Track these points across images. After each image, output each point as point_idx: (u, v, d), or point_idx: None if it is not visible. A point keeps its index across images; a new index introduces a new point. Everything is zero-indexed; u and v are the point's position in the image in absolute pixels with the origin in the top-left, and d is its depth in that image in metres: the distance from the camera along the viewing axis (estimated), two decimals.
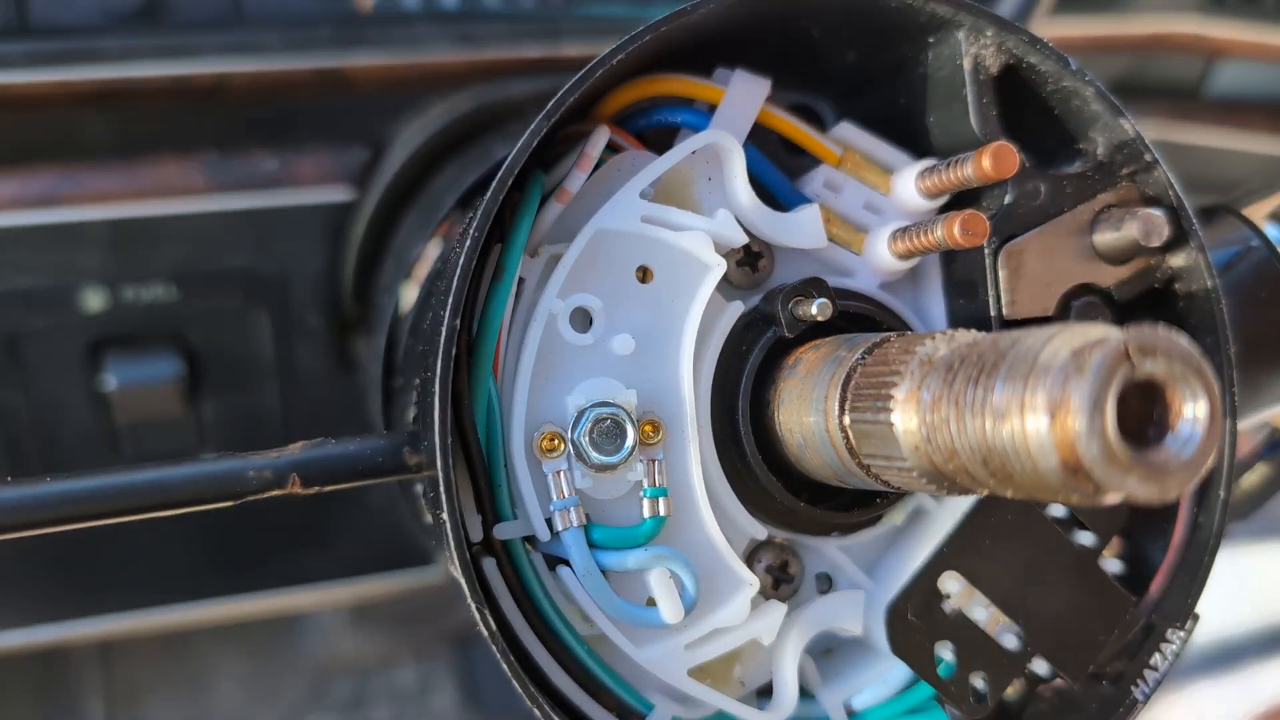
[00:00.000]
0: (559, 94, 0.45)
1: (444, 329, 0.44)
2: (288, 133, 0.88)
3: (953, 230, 0.48)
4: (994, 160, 0.48)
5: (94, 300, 0.87)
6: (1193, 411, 0.34)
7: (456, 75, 0.87)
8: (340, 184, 0.89)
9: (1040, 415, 0.34)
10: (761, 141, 0.53)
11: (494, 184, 0.44)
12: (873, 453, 0.44)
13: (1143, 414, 0.35)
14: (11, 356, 0.86)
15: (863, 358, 0.45)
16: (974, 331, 0.42)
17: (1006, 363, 0.37)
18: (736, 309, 0.51)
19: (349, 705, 1.88)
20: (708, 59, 0.54)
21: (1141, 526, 0.55)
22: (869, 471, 0.45)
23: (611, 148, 0.52)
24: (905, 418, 0.41)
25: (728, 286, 0.53)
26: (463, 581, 0.44)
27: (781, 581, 0.53)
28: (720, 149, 0.50)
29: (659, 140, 0.53)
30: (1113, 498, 0.34)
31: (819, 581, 0.54)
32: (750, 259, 0.53)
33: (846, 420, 0.44)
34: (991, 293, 0.52)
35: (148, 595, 1.01)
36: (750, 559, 0.53)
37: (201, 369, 0.91)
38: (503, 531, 0.47)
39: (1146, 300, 0.54)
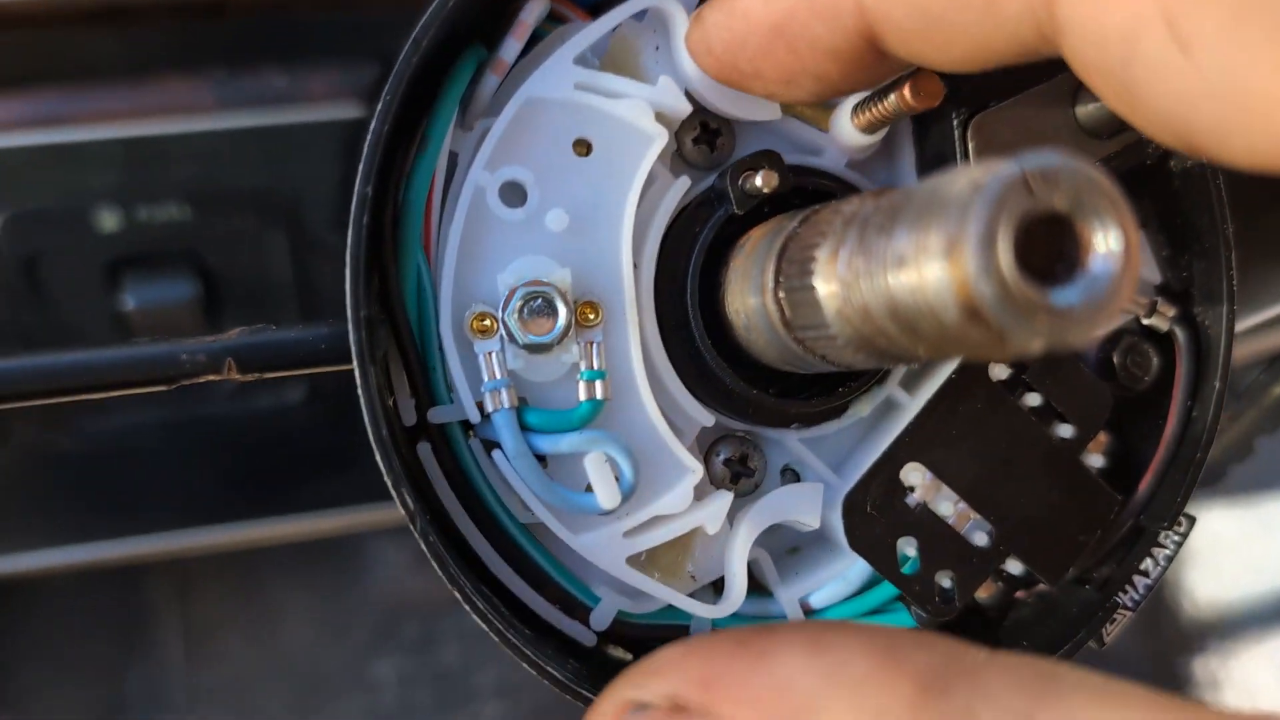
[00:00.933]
0: None
1: (354, 197, 0.42)
2: (296, 49, 0.87)
3: (904, 93, 0.45)
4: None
5: (109, 220, 0.87)
6: (1104, 244, 0.31)
7: None
8: (351, 100, 0.87)
9: (934, 257, 0.31)
10: None
11: (406, 47, 0.42)
12: (804, 324, 0.41)
13: (1052, 251, 0.32)
14: (30, 278, 0.87)
15: (799, 225, 0.42)
16: (907, 186, 0.39)
17: (911, 206, 0.34)
18: (683, 184, 0.48)
19: (418, 645, 1.90)
20: None
21: (1129, 420, 0.51)
22: (805, 346, 0.42)
23: (558, 19, 0.50)
24: (825, 280, 0.38)
25: (684, 165, 0.50)
26: (380, 462, 0.42)
27: (741, 475, 0.50)
28: (664, 13, 0.47)
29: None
30: (1018, 345, 0.31)
31: (784, 476, 0.51)
32: (708, 136, 0.50)
33: (781, 293, 0.42)
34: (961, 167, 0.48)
35: (180, 518, 1.02)
36: (709, 452, 0.50)
37: (219, 289, 0.91)
38: (437, 415, 0.46)
39: (1137, 177, 0.50)
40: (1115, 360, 0.51)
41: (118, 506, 1.00)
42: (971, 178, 0.31)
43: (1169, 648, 1.77)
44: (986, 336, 0.31)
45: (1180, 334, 0.51)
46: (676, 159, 0.50)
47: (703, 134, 0.50)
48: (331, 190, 0.89)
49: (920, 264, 0.32)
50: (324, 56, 0.87)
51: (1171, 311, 0.51)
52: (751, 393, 0.48)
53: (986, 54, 0.38)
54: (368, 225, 0.42)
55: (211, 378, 0.48)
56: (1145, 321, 0.51)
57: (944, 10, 0.37)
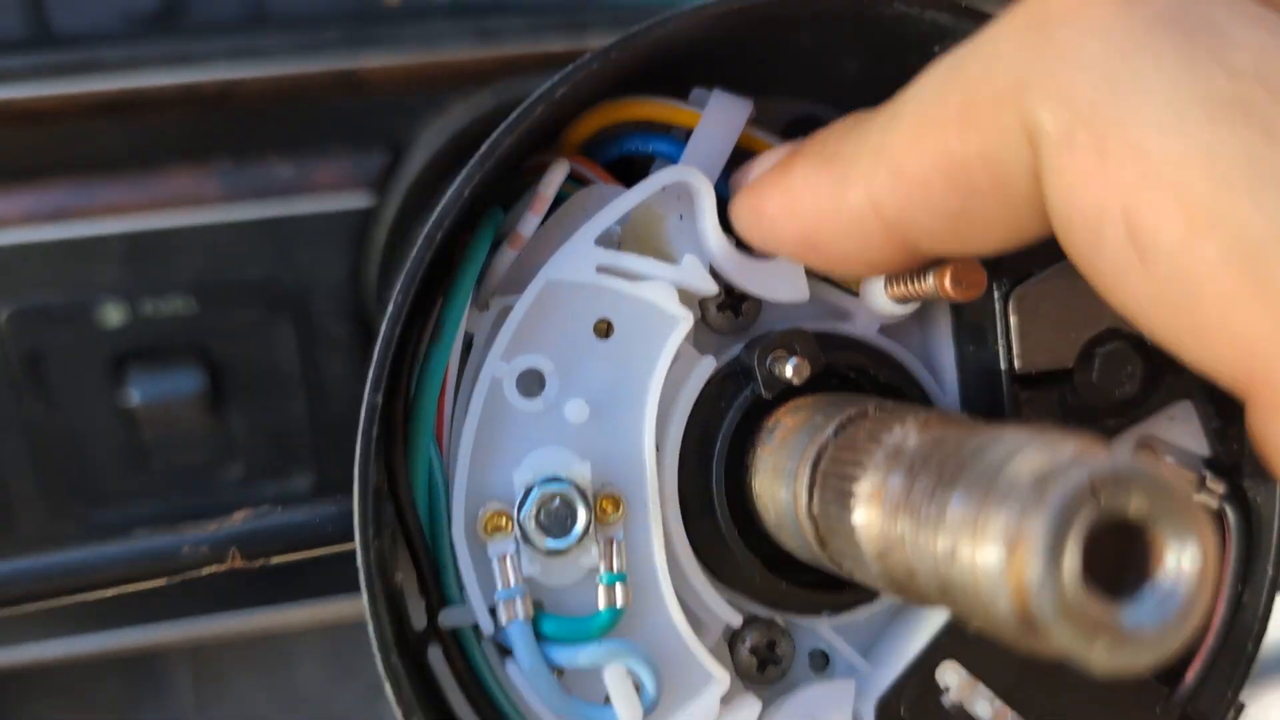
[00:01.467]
0: (494, 135, 0.41)
1: (364, 405, 0.39)
2: (304, 138, 0.85)
3: (944, 282, 0.42)
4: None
5: (113, 314, 0.85)
6: (1179, 561, 0.28)
7: (476, 72, 0.83)
8: (360, 189, 0.85)
9: (990, 551, 0.29)
10: None
11: (419, 242, 0.40)
12: (841, 550, 0.38)
13: (1119, 560, 0.29)
14: (34, 374, 0.85)
15: (835, 434, 0.39)
16: (949, 416, 0.36)
17: (966, 477, 0.31)
18: (708, 365, 0.46)
19: None
20: (695, 76, 0.49)
21: None
22: (840, 566, 0.39)
23: (580, 180, 0.47)
24: (867, 522, 0.35)
25: (708, 332, 0.48)
26: (385, 682, 0.40)
27: (768, 663, 0.48)
28: (688, 186, 0.44)
29: (642, 168, 0.48)
30: (1075, 657, 0.29)
31: (813, 660, 0.49)
32: (733, 302, 0.47)
33: (815, 508, 0.39)
34: (1001, 342, 0.46)
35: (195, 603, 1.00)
36: (734, 638, 0.48)
37: (225, 382, 0.89)
38: (448, 618, 0.43)
39: None
40: None
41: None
42: (1036, 469, 0.29)
43: None
44: (1039, 642, 0.29)
45: (1230, 512, 0.48)
46: (700, 325, 0.48)
47: (728, 300, 0.47)
48: (340, 280, 0.86)
49: (975, 554, 0.30)
50: (331, 144, 0.85)
51: (1220, 488, 0.48)
52: (781, 585, 0.46)
53: (1020, 234, 0.36)
54: (377, 437, 0.39)
55: (217, 569, 0.46)
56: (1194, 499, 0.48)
57: (963, 205, 0.36)
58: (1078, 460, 0.28)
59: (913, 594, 0.34)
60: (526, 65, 0.83)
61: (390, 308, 0.40)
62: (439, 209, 0.40)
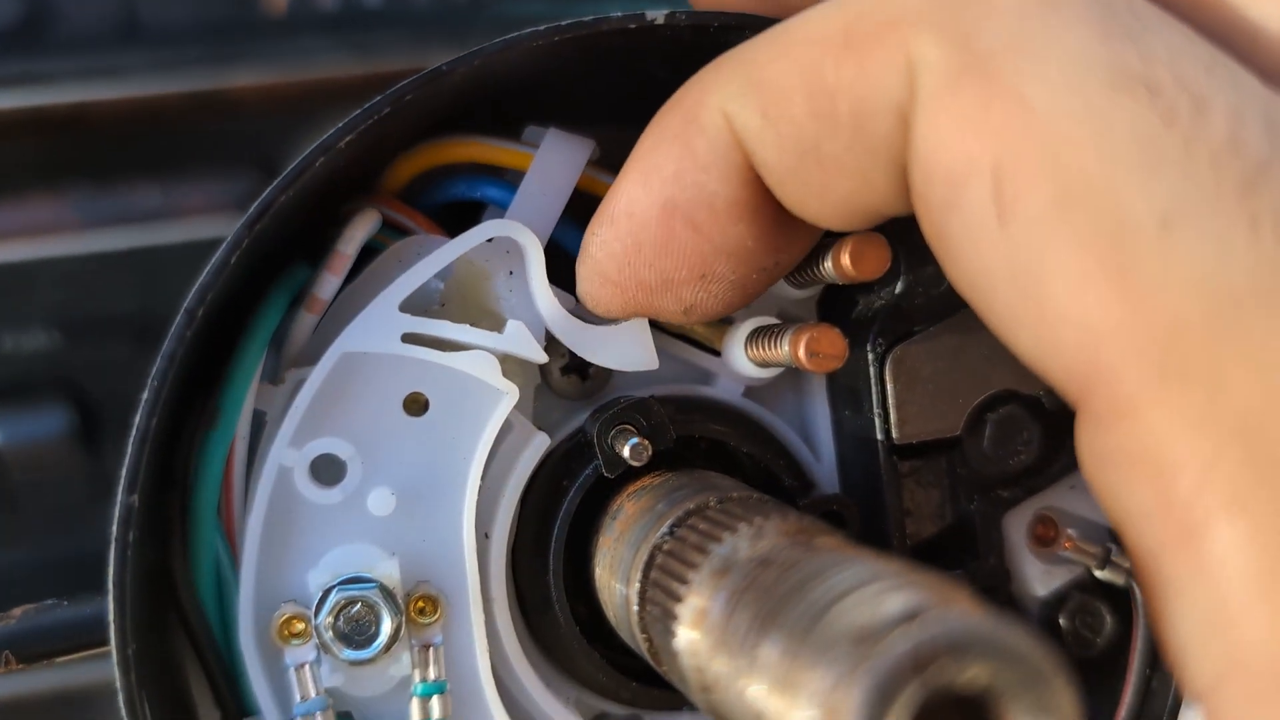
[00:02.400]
0: (265, 194, 0.35)
1: (117, 507, 0.34)
2: (169, 161, 0.79)
3: (799, 351, 0.37)
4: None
5: None
6: None
7: (353, 89, 0.77)
8: (231, 213, 0.79)
9: (804, 707, 0.24)
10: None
11: (178, 318, 0.34)
12: (671, 674, 0.33)
13: None
14: None
15: (669, 532, 0.34)
16: (789, 523, 0.31)
17: (786, 614, 0.26)
18: (540, 443, 0.40)
19: None
20: (529, 111, 0.43)
21: (1084, 688, 0.44)
22: (674, 685, 0.34)
23: (400, 230, 0.42)
24: (690, 651, 0.30)
25: (552, 398, 0.42)
26: None
27: None
28: (513, 240, 0.39)
29: (474, 217, 0.43)
30: None
31: None
32: (577, 364, 0.42)
33: (646, 619, 0.34)
34: (877, 410, 0.41)
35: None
36: None
37: (97, 419, 0.83)
38: None
39: None
40: (1062, 623, 0.43)
41: None
42: (856, 626, 0.23)
43: None
44: None
45: (1138, 590, 0.43)
46: (543, 391, 0.42)
47: (572, 362, 0.42)
48: None
49: (786, 707, 0.25)
50: (199, 167, 0.79)
51: (1128, 562, 0.43)
52: (632, 684, 0.40)
53: (871, 197, 0.32)
54: (134, 542, 0.34)
55: None
56: (1099, 574, 0.43)
57: (814, 140, 0.32)
58: (905, 620, 0.23)
59: None
60: (405, 79, 0.78)
61: (146, 394, 0.34)
62: (201, 278, 0.34)
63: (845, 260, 0.37)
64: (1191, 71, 0.27)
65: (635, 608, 0.34)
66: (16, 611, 0.42)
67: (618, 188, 0.36)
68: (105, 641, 0.41)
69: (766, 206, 0.35)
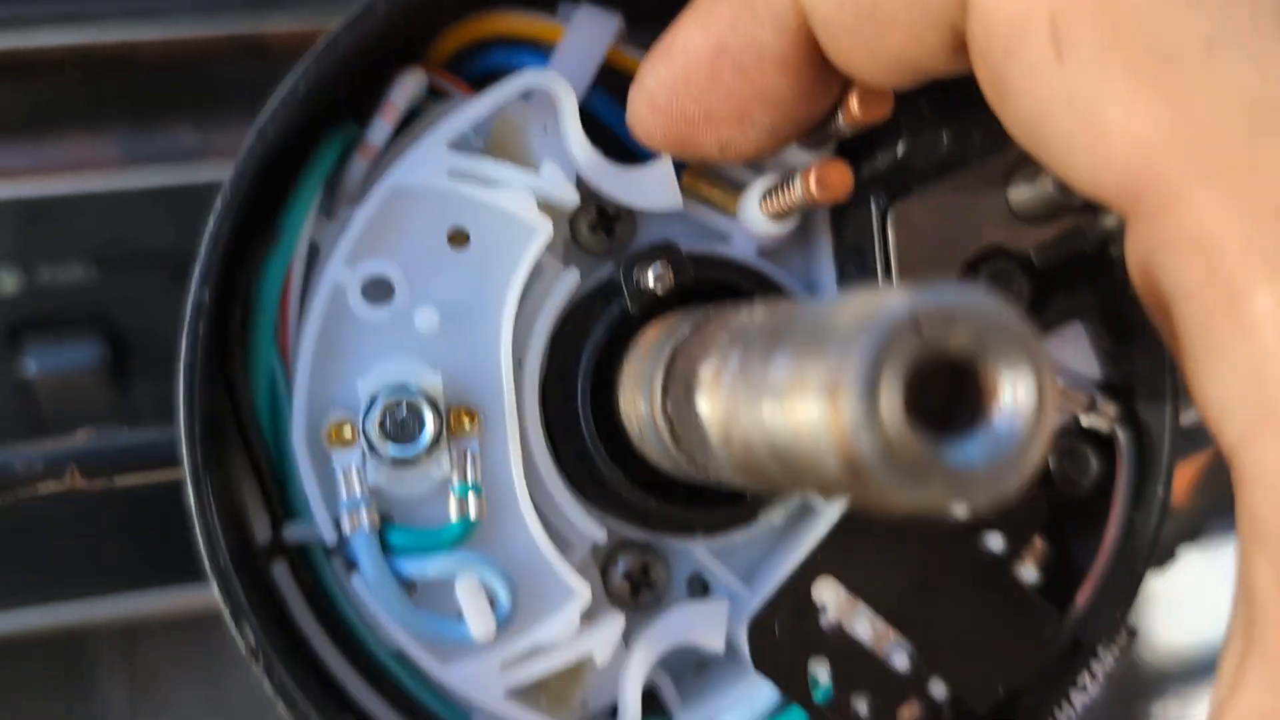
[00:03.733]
0: (334, 30, 0.39)
1: (189, 301, 0.37)
2: (207, 102, 0.82)
3: (809, 183, 0.41)
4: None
5: (8, 282, 0.82)
6: (1012, 395, 0.27)
7: None
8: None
9: (810, 399, 0.27)
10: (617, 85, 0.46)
11: (249, 140, 0.38)
12: (693, 445, 0.36)
13: (952, 399, 0.27)
14: None
15: (689, 333, 0.38)
16: (799, 299, 0.35)
17: (793, 333, 0.29)
18: (572, 277, 0.44)
19: None
20: None
21: (1066, 529, 0.47)
22: (696, 466, 0.38)
23: (439, 93, 0.45)
24: (709, 403, 0.33)
25: (580, 253, 0.46)
26: (216, 592, 0.38)
27: (642, 587, 0.46)
28: (549, 92, 0.43)
29: None
30: (909, 503, 0.27)
31: (691, 587, 0.47)
32: (605, 222, 0.46)
33: (669, 405, 0.37)
34: (879, 259, 0.44)
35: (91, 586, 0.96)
36: (606, 562, 0.46)
37: (128, 352, 0.86)
38: (292, 533, 0.41)
39: (1074, 267, 0.46)
40: (1051, 464, 0.47)
41: (49, 571, 0.95)
42: (857, 310, 0.27)
43: (1127, 694, 1.72)
44: (871, 491, 0.27)
45: (1122, 435, 0.47)
46: (572, 246, 0.46)
47: (599, 220, 0.46)
48: None
49: (796, 404, 0.28)
50: (237, 110, 0.83)
51: (1112, 410, 0.47)
52: (650, 502, 0.44)
53: (919, 54, 0.36)
54: (204, 334, 0.37)
55: (54, 488, 0.44)
56: (1084, 421, 0.47)
57: (875, 4, 0.35)
58: (898, 297, 0.27)
59: (756, 473, 0.32)
60: None
61: (218, 202, 0.38)
62: (269, 105, 0.38)
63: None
64: None
65: (659, 399, 0.38)
66: (81, 433, 0.45)
67: (678, 25, 0.40)
68: (162, 464, 0.45)
69: (809, 63, 0.39)
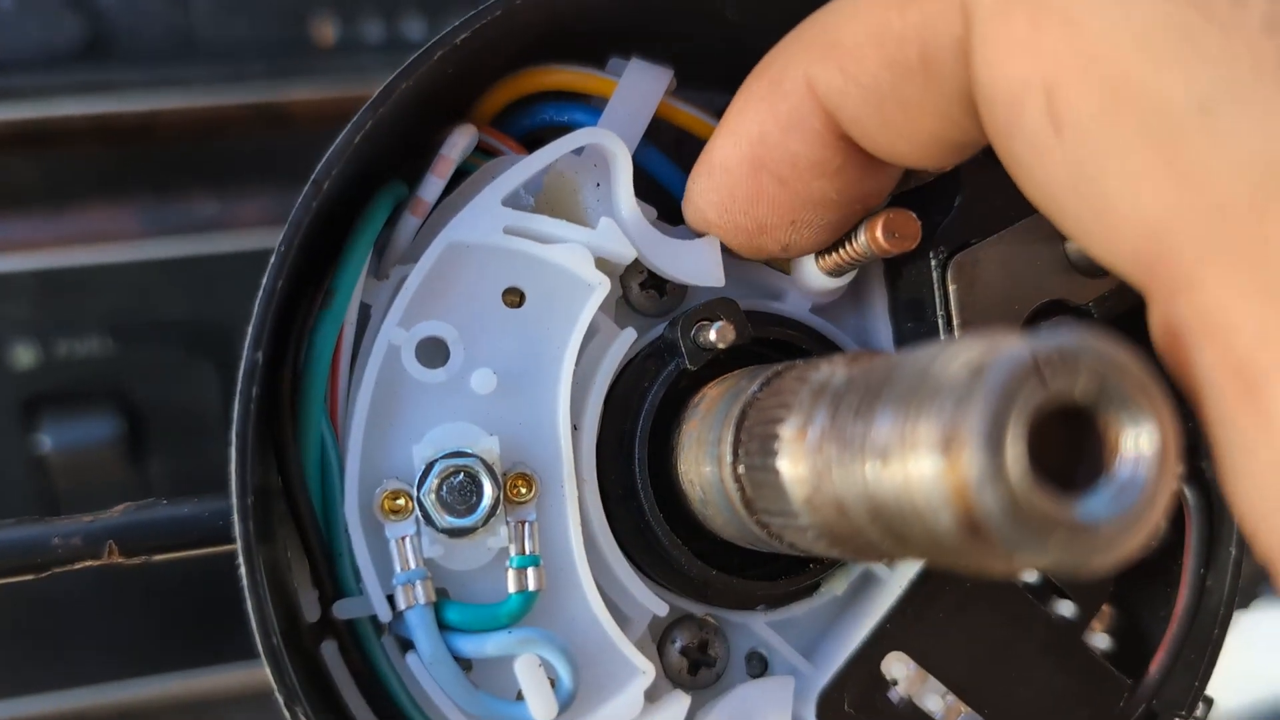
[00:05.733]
0: (389, 80, 0.38)
1: (242, 363, 0.36)
2: (227, 174, 0.82)
3: (875, 234, 0.40)
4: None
5: (24, 356, 0.81)
6: (1135, 444, 0.25)
7: None
8: (284, 225, 0.82)
9: (925, 455, 0.26)
10: (669, 143, 0.45)
11: (305, 191, 0.37)
12: (768, 508, 0.35)
13: (1070, 451, 0.26)
14: None
15: (759, 390, 0.36)
16: (881, 352, 0.34)
17: (894, 387, 0.28)
18: (629, 336, 0.43)
19: None
20: (618, 46, 0.46)
21: (1137, 594, 0.46)
22: (770, 532, 0.36)
23: (491, 153, 0.44)
24: (792, 462, 0.32)
25: (631, 313, 0.45)
26: (269, 673, 0.36)
27: (701, 665, 0.44)
28: (603, 149, 0.42)
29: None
30: (1028, 563, 0.25)
31: (750, 663, 0.45)
32: (656, 281, 0.45)
33: (740, 468, 0.36)
34: (940, 313, 0.43)
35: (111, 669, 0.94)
36: (663, 638, 0.44)
37: (143, 426, 0.85)
38: (343, 609, 0.40)
39: (1134, 320, 0.45)
40: None
41: (53, 658, 0.92)
42: (969, 358, 0.26)
43: None
44: (989, 552, 0.26)
45: (1189, 493, 0.45)
46: (622, 306, 0.45)
47: (650, 279, 0.44)
48: None
49: (907, 461, 0.27)
50: (257, 180, 0.82)
51: (1179, 467, 0.45)
52: (711, 573, 0.42)
53: (952, 131, 0.35)
54: (257, 398, 0.36)
55: (91, 563, 0.42)
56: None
57: (891, 87, 0.34)
58: (1017, 342, 0.25)
59: (845, 536, 0.31)
60: None
61: (272, 258, 0.37)
62: (326, 156, 0.37)
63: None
64: None
65: (729, 460, 0.36)
66: (119, 508, 0.44)
67: (713, 143, 0.40)
68: (199, 542, 0.43)
69: (849, 161, 0.38)
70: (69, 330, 0.81)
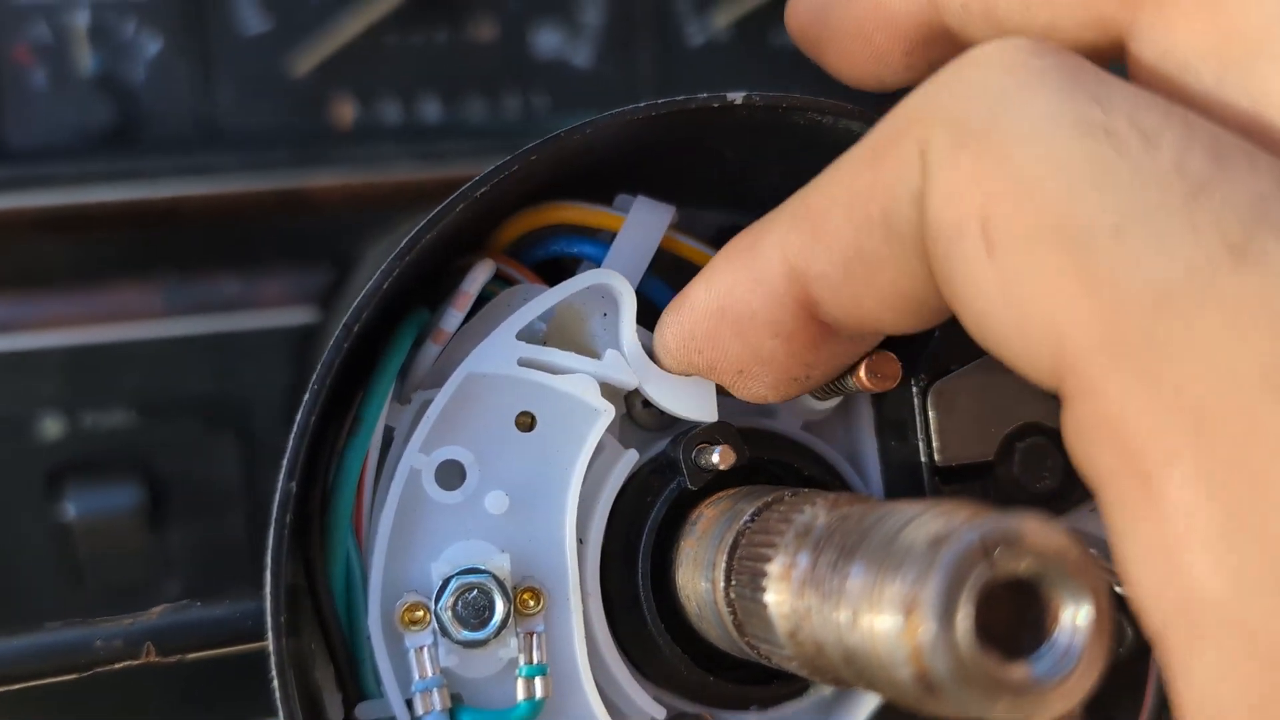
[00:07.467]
0: (413, 231, 0.42)
1: (278, 492, 0.39)
2: (250, 254, 0.86)
3: (861, 376, 0.43)
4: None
5: (52, 428, 0.84)
6: (1072, 617, 0.29)
7: (421, 192, 0.85)
8: (304, 305, 0.86)
9: (886, 616, 0.29)
10: (671, 271, 0.49)
11: (337, 331, 0.40)
12: (756, 634, 0.38)
13: (1018, 616, 0.29)
14: None
15: (750, 520, 0.40)
16: (860, 496, 0.37)
17: (868, 548, 0.31)
18: (631, 458, 0.46)
19: None
20: (619, 183, 0.50)
21: (1105, 697, 0.48)
22: (759, 653, 0.39)
23: (507, 281, 0.48)
24: (777, 600, 0.35)
25: (634, 429, 0.48)
26: None
27: None
28: (613, 291, 0.45)
29: (571, 271, 0.49)
30: (969, 715, 0.29)
31: None
32: None
33: (732, 593, 0.39)
34: (920, 436, 0.47)
35: None
36: None
37: (165, 497, 0.88)
38: (365, 712, 0.43)
39: None
40: None
41: None
42: (932, 530, 0.29)
43: None
44: (943, 705, 0.29)
45: None
46: (626, 422, 0.48)
47: None
48: (282, 395, 0.87)
49: (874, 618, 0.30)
50: (277, 261, 0.86)
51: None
52: (709, 679, 0.45)
53: (914, 288, 0.37)
54: (290, 524, 0.39)
55: (131, 663, 0.45)
56: (1119, 590, 0.49)
57: (855, 243, 0.37)
58: (970, 523, 0.29)
59: (824, 671, 0.34)
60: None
61: (307, 395, 0.40)
62: (358, 300, 0.41)
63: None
64: (1147, 117, 0.32)
65: (721, 585, 0.40)
66: (156, 610, 0.47)
67: (690, 286, 0.43)
68: (230, 641, 0.47)
69: (802, 327, 0.41)
70: (95, 403, 0.85)
